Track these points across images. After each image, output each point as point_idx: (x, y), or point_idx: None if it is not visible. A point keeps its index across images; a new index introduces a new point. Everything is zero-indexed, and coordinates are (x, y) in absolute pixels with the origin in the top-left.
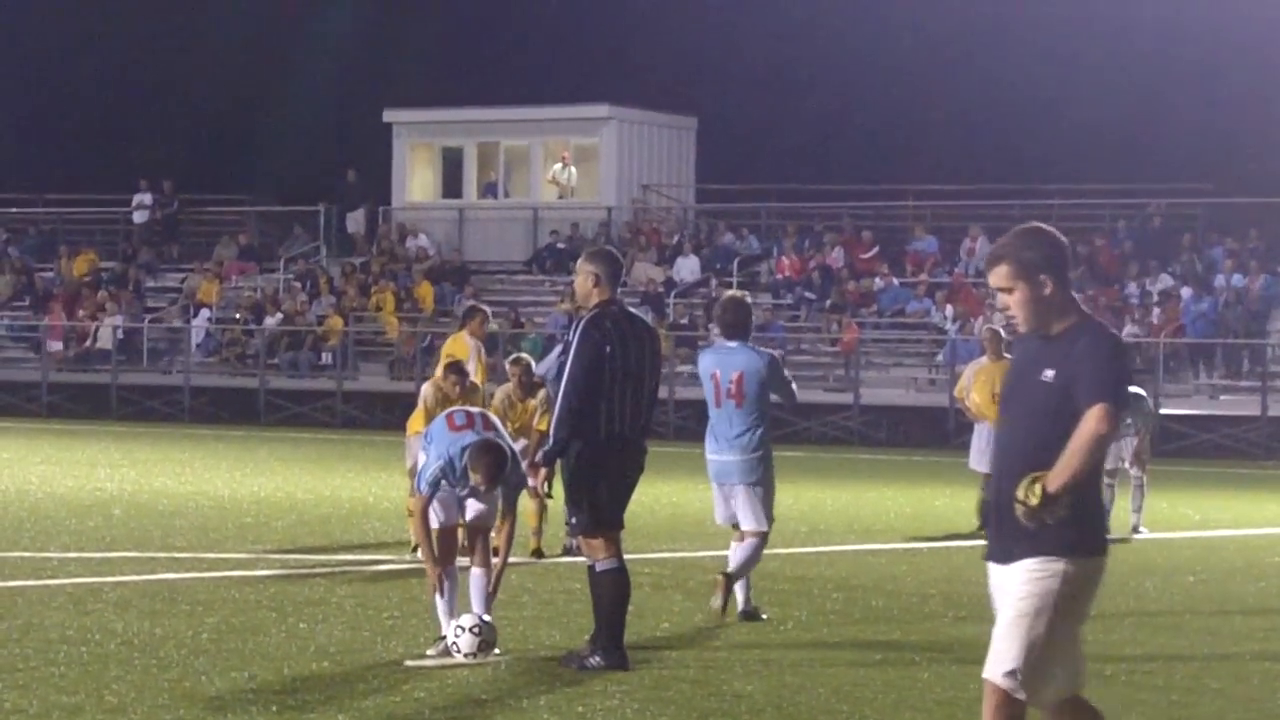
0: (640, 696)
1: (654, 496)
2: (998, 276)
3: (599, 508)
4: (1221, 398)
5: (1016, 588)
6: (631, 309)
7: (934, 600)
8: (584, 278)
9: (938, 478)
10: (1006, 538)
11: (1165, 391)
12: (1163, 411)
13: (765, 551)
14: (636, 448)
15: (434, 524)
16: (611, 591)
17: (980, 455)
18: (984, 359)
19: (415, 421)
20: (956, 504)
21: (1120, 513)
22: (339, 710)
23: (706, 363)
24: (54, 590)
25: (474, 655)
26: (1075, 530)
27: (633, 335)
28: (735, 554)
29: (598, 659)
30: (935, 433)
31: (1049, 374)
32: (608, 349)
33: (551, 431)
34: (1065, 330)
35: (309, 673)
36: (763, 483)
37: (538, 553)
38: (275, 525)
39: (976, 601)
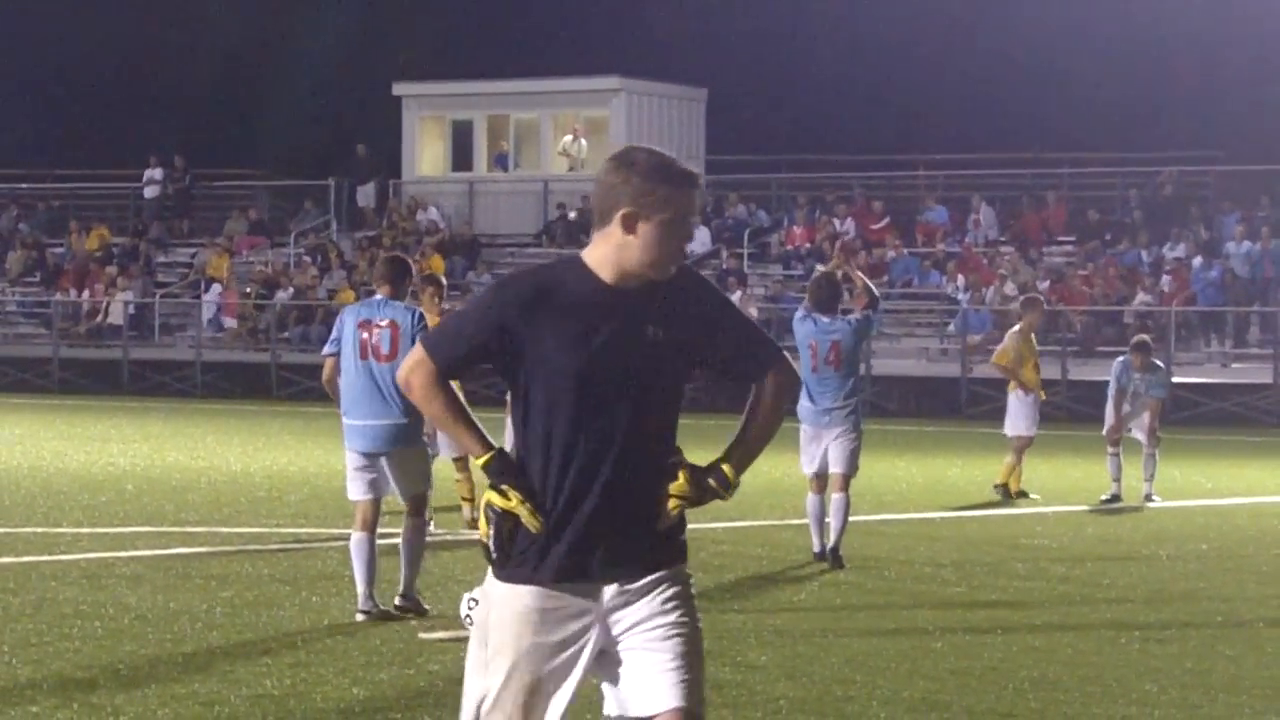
0: None
1: None
2: None
3: None
4: (1233, 365)
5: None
6: None
7: (947, 570)
8: None
9: (950, 448)
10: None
11: (1176, 360)
12: (1174, 380)
13: (778, 522)
14: None
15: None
16: None
17: (1017, 421)
18: (1017, 326)
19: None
20: (969, 474)
21: (1131, 481)
22: (353, 683)
23: (805, 332)
24: (67, 565)
25: None
26: None
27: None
28: (834, 517)
29: None
30: (947, 403)
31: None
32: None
33: None
34: None
35: (322, 646)
36: (856, 434)
37: None
38: (288, 500)
39: (989, 571)
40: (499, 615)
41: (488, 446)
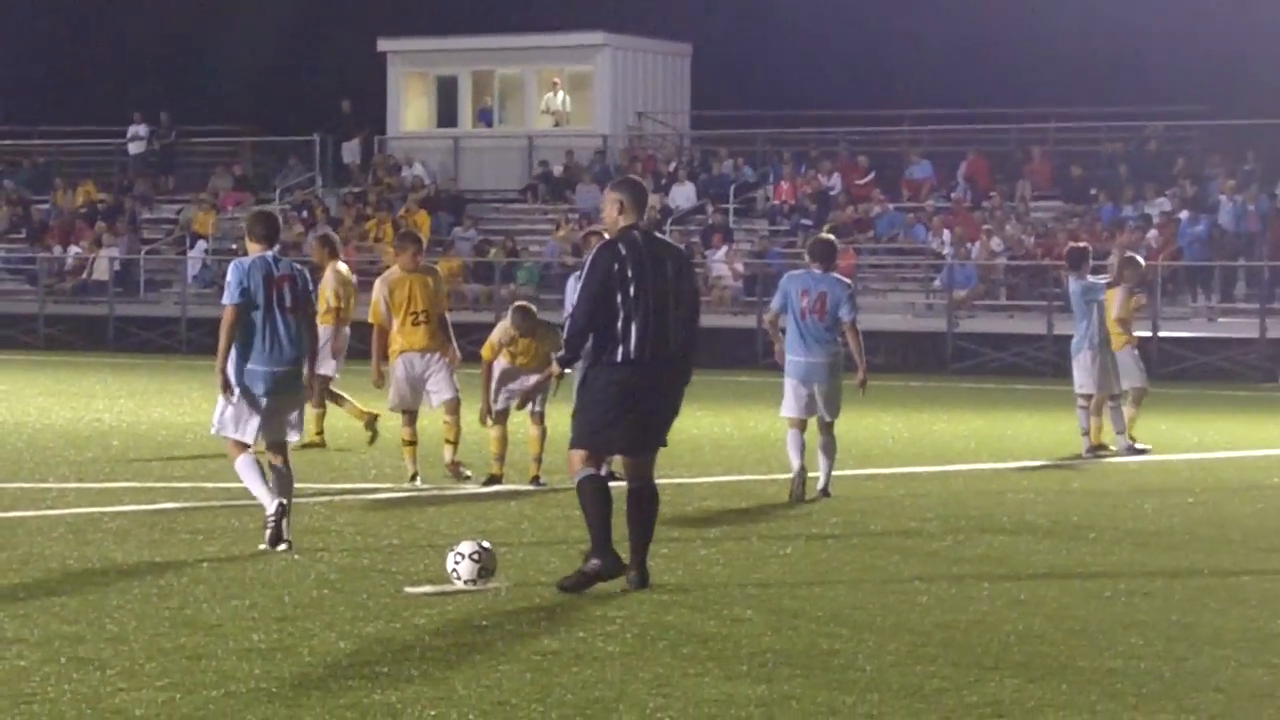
0: (640, 621)
1: None
2: None
3: (594, 428)
4: (1219, 320)
5: None
6: (658, 234)
7: (932, 524)
8: (610, 205)
9: (935, 403)
10: None
11: (1163, 314)
12: (1161, 335)
13: (764, 477)
14: (668, 370)
15: None
16: (590, 497)
17: (1133, 373)
18: (1123, 285)
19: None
20: (954, 429)
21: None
22: (339, 637)
23: (796, 283)
24: (54, 520)
25: (474, 582)
26: None
27: (652, 257)
28: (822, 461)
29: (594, 561)
30: (933, 358)
31: None
32: (616, 268)
33: (564, 346)
34: None
35: (309, 600)
36: (838, 380)
37: (536, 480)
38: None
39: (975, 525)
40: None
41: None
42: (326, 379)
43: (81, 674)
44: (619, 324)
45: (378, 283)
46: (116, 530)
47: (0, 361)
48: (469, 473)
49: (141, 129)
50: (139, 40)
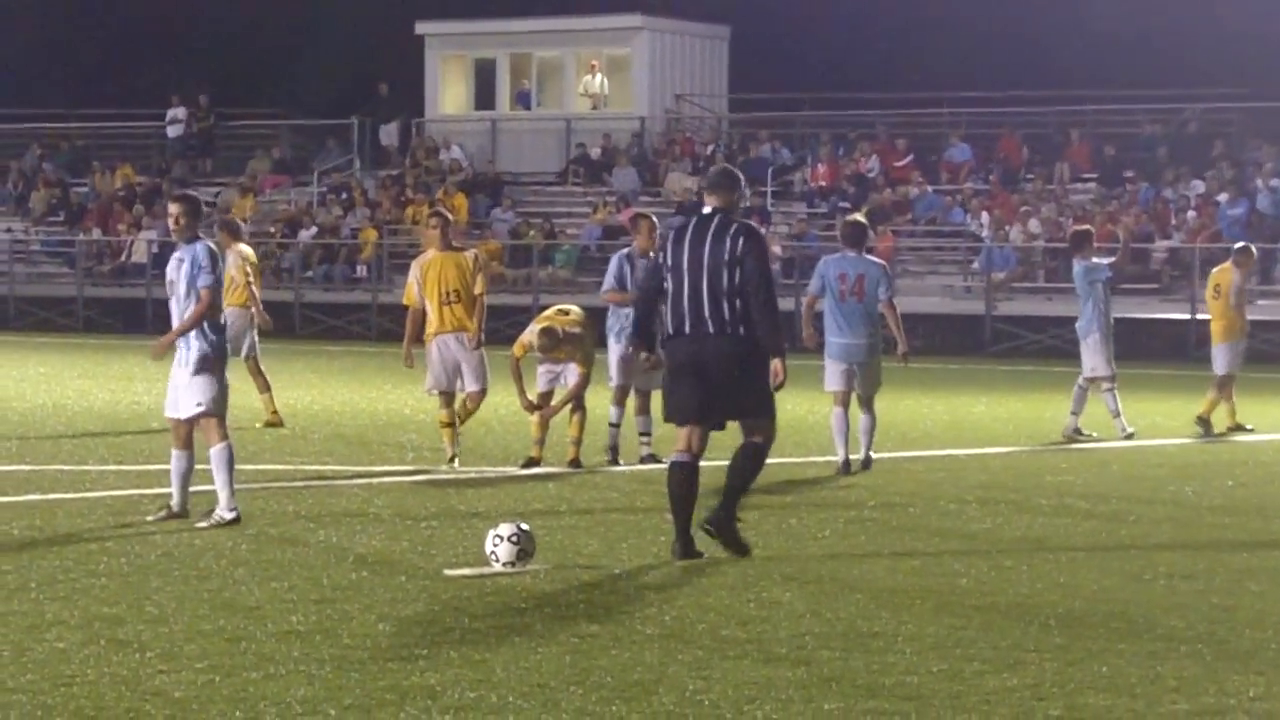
0: (679, 604)
1: None
2: None
3: (667, 399)
4: (1259, 303)
5: None
6: (732, 217)
7: (971, 506)
8: (704, 195)
9: (974, 385)
10: None
11: (1201, 296)
12: (1199, 317)
13: (802, 459)
14: (708, 344)
15: None
16: (671, 485)
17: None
18: (1239, 273)
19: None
20: (993, 411)
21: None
22: (378, 619)
23: (833, 267)
24: (93, 503)
25: (513, 565)
26: None
27: (695, 239)
28: (863, 434)
29: (676, 546)
30: (971, 340)
31: None
32: (659, 257)
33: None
34: None
35: (348, 582)
36: (878, 358)
37: (575, 463)
38: (312, 437)
39: (1014, 507)
40: None
41: None
42: (254, 359)
43: (121, 656)
44: (664, 304)
45: (412, 265)
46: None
47: (39, 344)
48: (457, 458)
49: (180, 112)
50: (178, 23)
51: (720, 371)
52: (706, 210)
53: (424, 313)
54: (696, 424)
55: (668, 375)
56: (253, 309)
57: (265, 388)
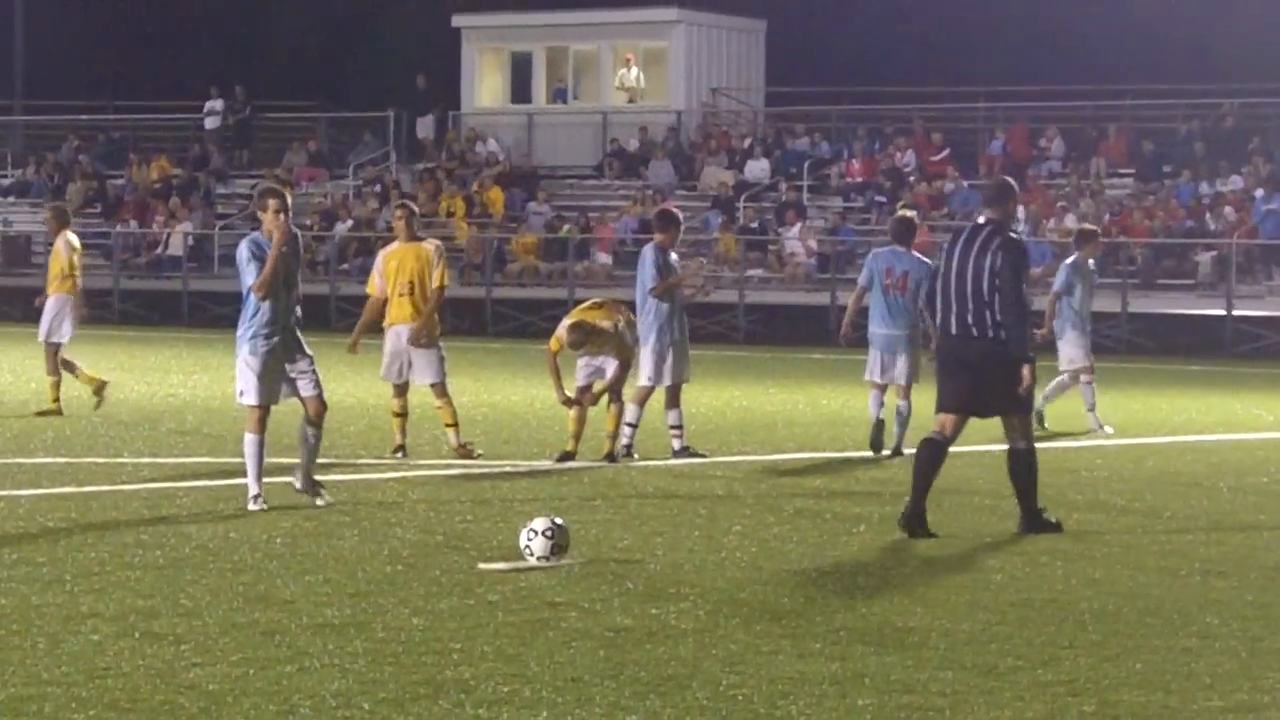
0: (713, 599)
1: (725, 400)
2: None
3: (940, 387)
4: None
5: None
6: (1001, 230)
7: (1006, 502)
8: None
9: None
10: None
11: (1238, 293)
12: (1235, 313)
13: (837, 455)
14: (972, 346)
15: None
16: (920, 458)
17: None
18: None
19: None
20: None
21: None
22: (412, 613)
23: (881, 261)
24: (129, 495)
25: (547, 559)
26: None
27: (964, 248)
28: (898, 425)
29: (904, 515)
30: None
31: None
32: (935, 264)
33: None
34: None
35: (382, 576)
36: (917, 352)
37: (610, 457)
38: (347, 430)
39: (1049, 504)
40: None
41: None
42: (57, 346)
43: (155, 648)
44: (938, 304)
45: (378, 254)
46: (191, 505)
47: (75, 336)
48: (480, 451)
49: (217, 104)
50: (214, 15)
51: (984, 371)
52: (980, 220)
53: (384, 302)
54: (959, 413)
55: (939, 368)
56: (74, 296)
57: (54, 372)
